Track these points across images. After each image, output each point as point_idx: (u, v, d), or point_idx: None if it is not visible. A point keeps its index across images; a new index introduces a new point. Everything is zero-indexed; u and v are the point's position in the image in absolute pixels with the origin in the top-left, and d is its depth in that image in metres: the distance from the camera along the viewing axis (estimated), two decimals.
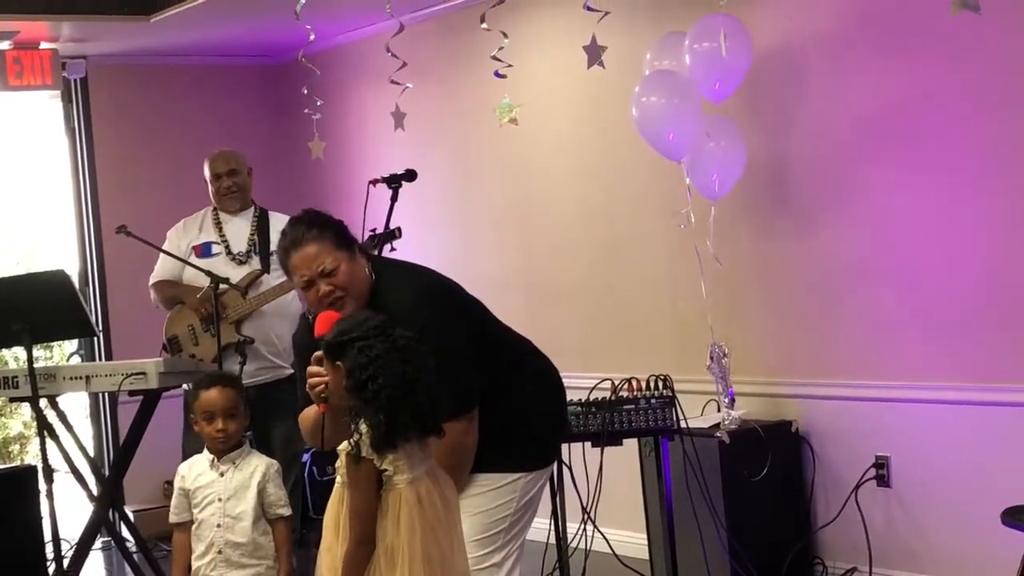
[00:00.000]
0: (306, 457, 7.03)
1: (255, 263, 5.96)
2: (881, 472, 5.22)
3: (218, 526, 4.22)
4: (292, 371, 5.94)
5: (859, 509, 5.26)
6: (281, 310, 5.96)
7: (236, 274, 5.89)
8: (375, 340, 3.16)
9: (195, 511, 4.27)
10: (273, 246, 5.98)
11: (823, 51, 5.31)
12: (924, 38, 4.96)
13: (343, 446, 3.18)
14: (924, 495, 5.10)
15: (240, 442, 4.32)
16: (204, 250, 6.02)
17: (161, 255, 6.04)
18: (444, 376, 3.25)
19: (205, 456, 4.33)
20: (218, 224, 6.06)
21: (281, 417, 6.03)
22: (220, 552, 4.21)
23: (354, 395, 3.14)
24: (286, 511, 4.28)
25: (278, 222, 6.12)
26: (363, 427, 3.12)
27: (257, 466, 4.28)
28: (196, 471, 4.31)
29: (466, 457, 3.54)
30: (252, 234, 6.03)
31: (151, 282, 6.11)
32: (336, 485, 3.26)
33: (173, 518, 4.32)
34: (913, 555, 5.14)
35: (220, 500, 4.23)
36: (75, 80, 7.68)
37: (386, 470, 3.13)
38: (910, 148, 5.04)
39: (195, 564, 4.25)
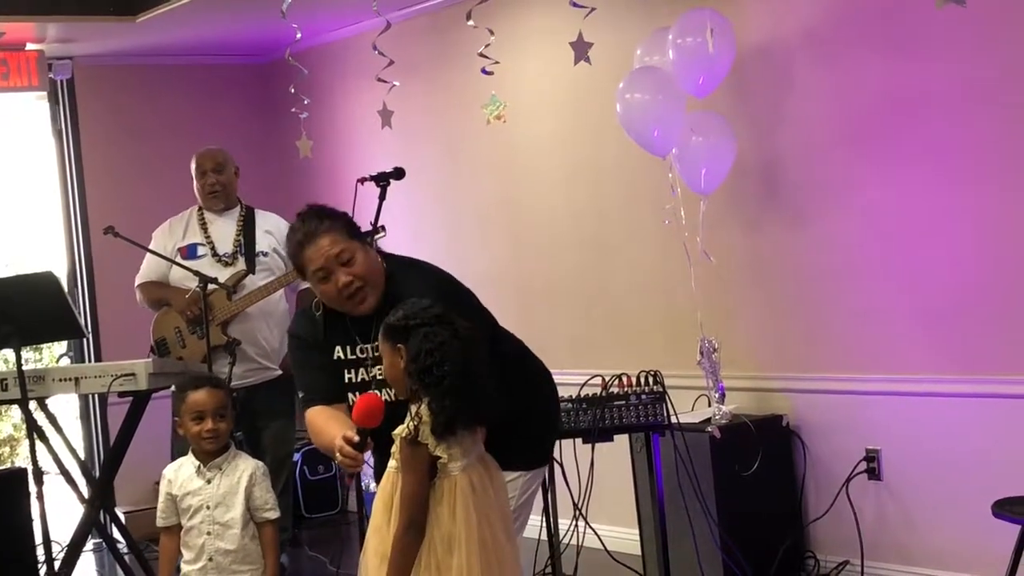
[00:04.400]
0: (297, 457, 7.04)
1: (240, 264, 5.95)
2: (872, 465, 5.22)
3: (208, 534, 4.20)
4: (280, 372, 5.98)
5: (850, 502, 5.27)
6: (267, 311, 5.96)
7: (222, 275, 5.88)
8: (439, 327, 3.23)
9: (183, 518, 4.24)
10: (259, 246, 6.00)
11: (809, 45, 5.31)
12: (910, 31, 4.96)
13: (399, 430, 3.23)
14: (915, 488, 5.11)
15: (226, 445, 4.29)
16: (189, 252, 6.01)
17: (147, 255, 6.03)
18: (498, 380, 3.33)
19: (191, 461, 4.29)
20: (203, 225, 6.05)
21: (271, 418, 6.04)
22: (211, 559, 4.19)
23: (417, 379, 3.21)
24: (273, 514, 4.25)
25: (264, 220, 6.12)
26: (423, 411, 3.18)
27: (244, 470, 4.25)
28: (182, 476, 4.28)
29: None
30: (238, 235, 6.02)
31: (137, 283, 6.10)
32: (388, 469, 3.31)
33: (160, 522, 4.30)
34: (904, 547, 5.15)
35: (208, 508, 4.21)
36: (61, 81, 7.66)
37: (440, 457, 3.19)
38: (899, 141, 5.04)
39: (185, 569, 4.23)
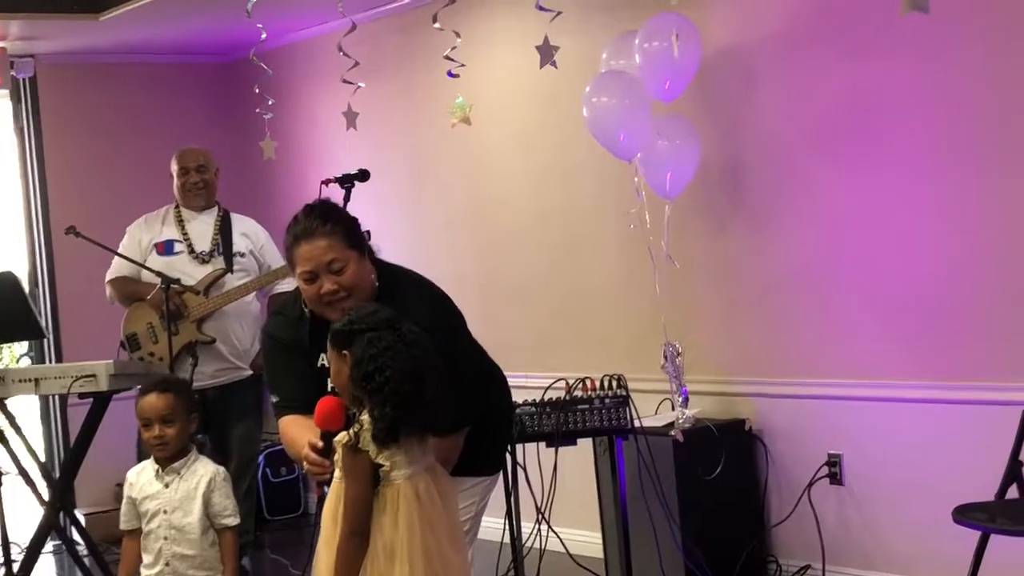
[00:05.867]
0: (260, 459, 7.02)
1: (218, 262, 5.95)
2: (834, 470, 5.24)
3: (165, 538, 4.15)
4: (251, 372, 5.97)
5: (812, 507, 5.28)
6: (241, 312, 5.96)
7: (199, 272, 5.89)
8: (384, 332, 3.15)
9: (142, 522, 4.20)
10: (236, 247, 5.99)
11: (774, 50, 5.32)
12: (875, 37, 4.98)
13: (340, 437, 3.16)
14: (876, 493, 5.13)
15: (185, 449, 4.23)
16: (166, 247, 6.00)
17: (119, 250, 6.00)
18: (450, 391, 3.25)
19: (152, 464, 4.24)
20: (180, 222, 6.04)
21: (239, 418, 6.03)
22: (168, 564, 4.14)
23: (359, 385, 3.13)
24: (232, 520, 4.19)
25: (240, 223, 6.13)
26: (365, 418, 3.12)
27: (203, 475, 4.19)
28: (143, 480, 4.24)
29: (449, 470, 3.53)
30: (216, 234, 6.02)
31: (108, 278, 6.07)
32: (334, 480, 3.24)
33: (123, 525, 4.26)
34: (865, 552, 5.17)
35: (166, 512, 4.16)
36: (24, 79, 7.60)
37: (382, 465, 3.12)
38: (863, 146, 5.06)
39: (144, 573, 4.19)
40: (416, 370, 3.13)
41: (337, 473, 3.22)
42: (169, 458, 4.19)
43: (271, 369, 3.76)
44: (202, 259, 5.95)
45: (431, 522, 3.17)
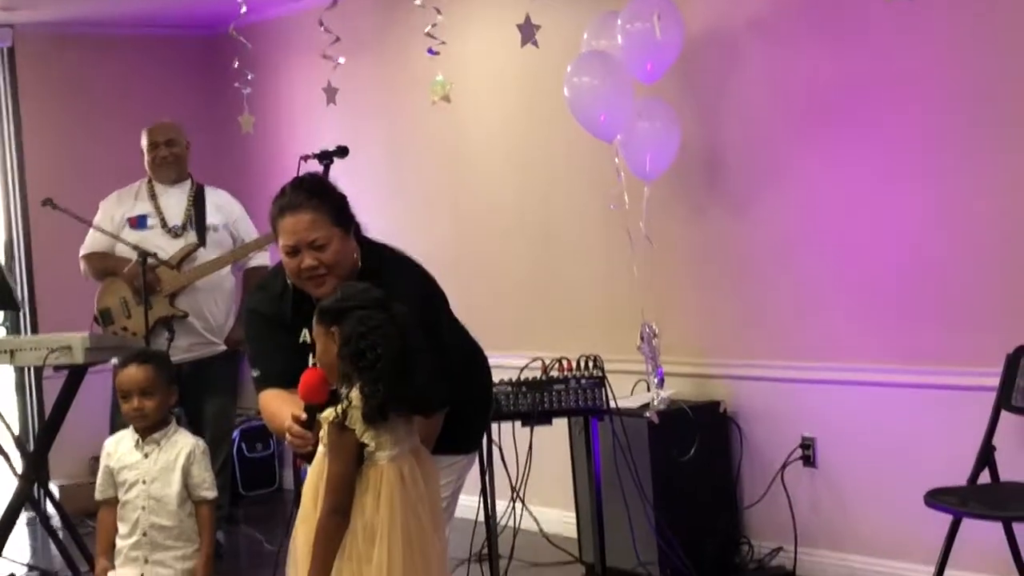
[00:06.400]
0: (235, 434, 7.01)
1: (191, 236, 5.94)
2: (807, 452, 5.27)
3: (143, 508, 4.15)
4: (225, 348, 5.97)
5: (785, 489, 5.31)
6: (215, 286, 5.95)
7: (172, 247, 5.88)
8: (374, 310, 3.15)
9: (120, 491, 4.19)
10: (209, 221, 5.98)
11: (756, 33, 5.33)
12: (857, 19, 4.98)
13: (327, 413, 3.15)
14: (849, 475, 5.16)
15: (165, 420, 4.23)
16: (139, 222, 5.98)
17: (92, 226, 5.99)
18: (437, 370, 3.25)
19: (131, 434, 4.23)
20: (153, 196, 6.03)
21: (214, 393, 6.03)
22: (145, 534, 4.14)
23: (349, 362, 3.12)
24: (210, 493, 4.20)
25: (214, 196, 6.12)
26: (354, 396, 3.11)
27: (182, 447, 4.18)
28: (121, 450, 4.22)
29: (430, 448, 3.53)
30: (189, 207, 6.01)
31: (81, 253, 6.05)
32: (317, 456, 3.23)
33: (98, 495, 4.25)
34: (837, 535, 5.20)
35: (144, 483, 4.15)
36: (2, 49, 7.55)
37: (367, 445, 3.12)
38: (843, 131, 5.07)
39: (119, 543, 4.18)
40: (406, 349, 3.13)
41: (321, 449, 3.21)
42: (148, 428, 4.19)
43: (252, 343, 3.73)
44: (175, 233, 5.94)
45: (413, 504, 3.16)
